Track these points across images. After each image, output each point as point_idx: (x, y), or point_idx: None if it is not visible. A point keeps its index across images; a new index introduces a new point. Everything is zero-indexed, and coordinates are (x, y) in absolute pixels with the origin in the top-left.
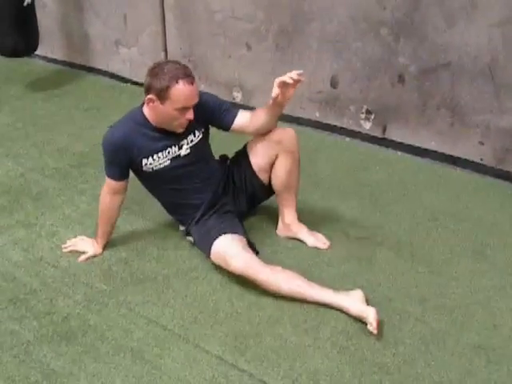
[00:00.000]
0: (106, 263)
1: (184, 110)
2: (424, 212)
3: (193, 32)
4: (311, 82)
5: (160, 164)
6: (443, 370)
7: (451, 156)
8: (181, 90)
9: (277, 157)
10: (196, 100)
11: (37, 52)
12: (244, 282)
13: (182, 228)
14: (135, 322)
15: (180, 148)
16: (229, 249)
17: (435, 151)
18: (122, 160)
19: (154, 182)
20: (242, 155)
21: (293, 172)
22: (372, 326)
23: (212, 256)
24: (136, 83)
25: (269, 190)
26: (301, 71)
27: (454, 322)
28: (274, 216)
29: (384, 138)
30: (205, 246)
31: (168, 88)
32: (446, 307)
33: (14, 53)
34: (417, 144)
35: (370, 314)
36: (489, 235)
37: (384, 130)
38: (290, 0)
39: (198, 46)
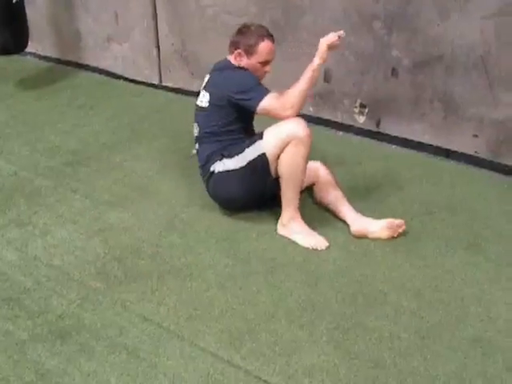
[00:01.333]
0: (99, 261)
1: (265, 63)
2: (419, 205)
3: (185, 27)
4: None
5: None
6: (439, 364)
7: (445, 149)
8: (266, 46)
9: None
10: (273, 56)
11: (27, 49)
12: (238, 278)
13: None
14: (130, 319)
15: None
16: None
17: (429, 144)
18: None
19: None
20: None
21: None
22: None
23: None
24: (128, 79)
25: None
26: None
27: (449, 316)
28: (274, 214)
29: (378, 132)
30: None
31: (256, 44)
32: (442, 301)
33: (4, 50)
34: (411, 137)
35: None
36: (484, 228)
37: (378, 124)
38: None
39: (190, 41)
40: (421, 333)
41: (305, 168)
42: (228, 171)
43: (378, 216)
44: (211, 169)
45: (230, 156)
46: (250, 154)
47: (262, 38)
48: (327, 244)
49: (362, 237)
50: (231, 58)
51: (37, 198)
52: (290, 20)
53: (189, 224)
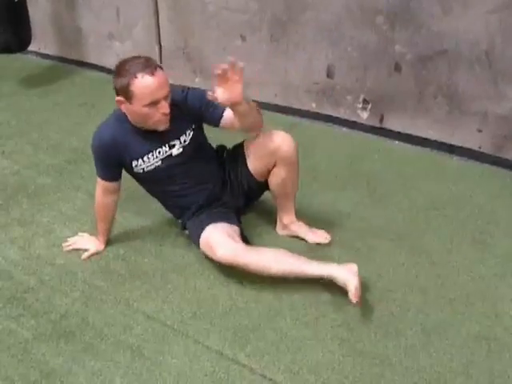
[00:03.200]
0: (103, 260)
1: (154, 104)
2: (423, 201)
3: (186, 24)
4: (307, 72)
5: (151, 165)
6: (445, 361)
7: (449, 144)
8: (142, 84)
9: (274, 164)
10: (165, 90)
11: (29, 47)
12: (242, 276)
13: (179, 221)
14: (134, 318)
15: (171, 147)
16: (215, 237)
17: (433, 140)
18: (112, 161)
19: (147, 182)
20: (239, 153)
21: (291, 180)
22: (351, 293)
23: (201, 246)
24: None
25: (265, 186)
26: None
27: (454, 312)
28: (273, 212)
29: (381, 128)
30: (195, 237)
31: (129, 85)
32: (447, 297)
33: (7, 49)
34: (414, 133)
35: (352, 282)
36: (488, 223)
37: (381, 120)
38: None
39: (192, 38)
40: (426, 329)
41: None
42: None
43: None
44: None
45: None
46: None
47: (134, 75)
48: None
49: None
50: None
51: (40, 197)
52: (292, 15)
53: None
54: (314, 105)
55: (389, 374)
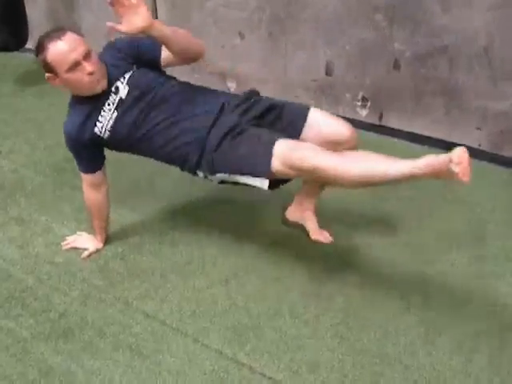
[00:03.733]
0: (102, 259)
1: (75, 66)
2: (421, 199)
3: (184, 22)
4: (306, 70)
5: (109, 119)
6: (445, 359)
7: (448, 142)
8: (54, 52)
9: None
10: (79, 50)
11: (26, 46)
12: (241, 274)
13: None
14: (133, 317)
15: (116, 92)
16: (297, 146)
17: (432, 137)
18: (86, 147)
19: (128, 144)
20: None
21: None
22: (454, 163)
23: (277, 162)
24: None
25: None
26: None
27: (454, 310)
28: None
29: (381, 125)
30: (256, 158)
31: (45, 58)
32: (446, 295)
33: (4, 47)
34: (413, 130)
35: (455, 152)
36: (488, 221)
37: (380, 117)
38: None
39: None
40: (426, 327)
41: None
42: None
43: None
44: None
45: (219, 172)
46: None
47: (46, 47)
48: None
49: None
50: None
51: (38, 196)
52: (291, 13)
53: (190, 220)
54: (312, 102)
55: (388, 373)
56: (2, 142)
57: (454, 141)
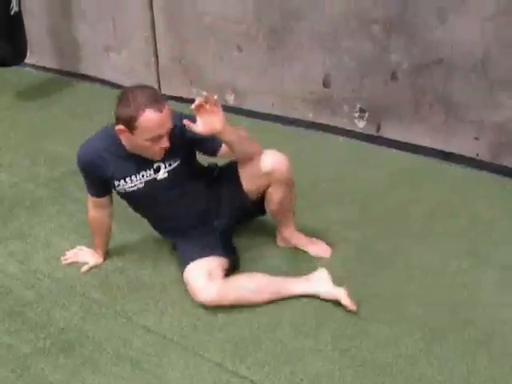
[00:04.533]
0: (102, 273)
1: (156, 139)
2: (420, 209)
3: (183, 35)
4: (304, 82)
5: (133, 186)
6: (446, 369)
7: (446, 152)
8: (148, 120)
9: (269, 185)
10: (168, 127)
11: (26, 60)
12: None
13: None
14: (133, 331)
15: (156, 171)
16: (194, 279)
17: (430, 148)
18: (97, 178)
19: (130, 202)
20: (232, 170)
21: (288, 199)
22: (349, 306)
23: (185, 283)
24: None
25: (260, 205)
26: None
27: (454, 320)
28: (272, 224)
29: (378, 136)
30: (181, 270)
31: (135, 118)
32: (446, 305)
33: (3, 62)
34: (411, 141)
35: (342, 297)
36: (486, 230)
37: (378, 128)
38: None
39: (189, 49)
40: (426, 338)
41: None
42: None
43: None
44: None
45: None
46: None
47: (141, 109)
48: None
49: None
50: None
51: (38, 210)
52: (287, 25)
53: None
54: (310, 114)
55: None
56: (2, 155)
57: (452, 151)
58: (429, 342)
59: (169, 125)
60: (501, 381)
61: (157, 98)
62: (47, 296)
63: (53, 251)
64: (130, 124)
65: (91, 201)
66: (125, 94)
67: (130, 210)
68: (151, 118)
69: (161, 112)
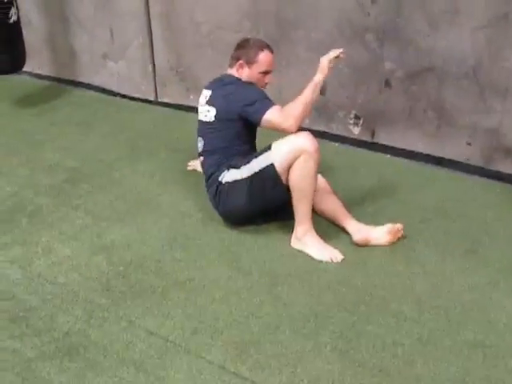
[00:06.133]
0: (104, 277)
1: (266, 73)
2: (415, 213)
3: (180, 44)
4: (300, 89)
5: None
6: (442, 369)
7: (440, 157)
8: (265, 57)
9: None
10: (274, 66)
11: (24, 68)
12: (242, 290)
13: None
14: (136, 334)
15: None
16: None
17: (424, 153)
18: None
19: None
20: None
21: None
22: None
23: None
24: (124, 96)
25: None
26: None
27: (450, 321)
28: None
29: (373, 142)
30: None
31: (256, 55)
32: (442, 306)
33: (1, 70)
34: (405, 147)
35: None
36: (480, 233)
37: (373, 135)
38: (276, 8)
39: (186, 57)
40: (423, 339)
41: (315, 182)
42: (235, 181)
43: (375, 224)
44: (219, 179)
45: (237, 167)
46: (257, 164)
47: (261, 48)
48: (342, 257)
49: (364, 245)
50: (233, 71)
51: (38, 217)
52: (283, 34)
53: (191, 238)
54: (306, 121)
55: None
56: (1, 163)
57: (446, 156)
58: (425, 342)
59: (274, 66)
60: (495, 380)
61: (269, 45)
62: (50, 301)
63: (54, 257)
64: (251, 59)
65: (277, 110)
66: (245, 41)
67: (129, 213)
68: (267, 56)
69: (272, 54)
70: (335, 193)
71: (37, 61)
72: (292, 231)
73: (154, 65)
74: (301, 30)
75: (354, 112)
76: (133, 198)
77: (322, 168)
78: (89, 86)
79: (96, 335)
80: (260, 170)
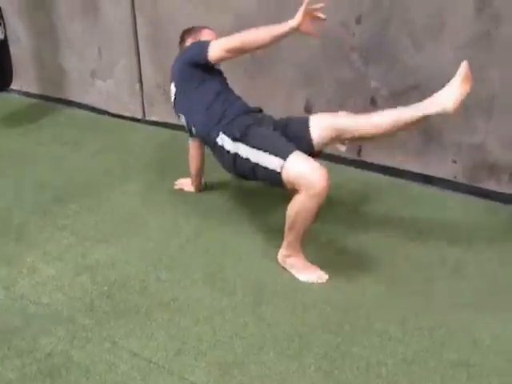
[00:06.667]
0: (88, 297)
1: None
2: (401, 231)
3: (167, 63)
4: (286, 108)
5: None
6: None
7: (425, 175)
8: (208, 32)
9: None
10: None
11: (11, 86)
12: (226, 311)
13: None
14: (119, 355)
15: None
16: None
17: (409, 171)
18: None
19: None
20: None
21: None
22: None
23: (288, 177)
24: (112, 115)
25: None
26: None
27: (434, 341)
28: (258, 243)
29: (359, 160)
30: (279, 146)
31: (200, 33)
32: (426, 327)
33: None
34: (391, 164)
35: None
36: (465, 252)
37: (359, 152)
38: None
39: None
40: (407, 359)
41: (311, 220)
42: (238, 155)
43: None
44: (219, 142)
45: (236, 136)
46: (266, 159)
47: (203, 28)
48: (327, 277)
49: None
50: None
51: (24, 236)
52: (269, 53)
53: (176, 258)
54: None
55: None
56: None
57: (432, 174)
58: (409, 362)
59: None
60: None
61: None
62: (33, 321)
63: (38, 277)
64: (196, 37)
65: (217, 40)
66: (187, 28)
67: (115, 233)
68: (209, 32)
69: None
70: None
71: (24, 78)
72: (281, 242)
73: (141, 84)
74: (286, 50)
75: None
76: (119, 217)
77: None
78: (77, 105)
79: (79, 356)
80: (265, 168)
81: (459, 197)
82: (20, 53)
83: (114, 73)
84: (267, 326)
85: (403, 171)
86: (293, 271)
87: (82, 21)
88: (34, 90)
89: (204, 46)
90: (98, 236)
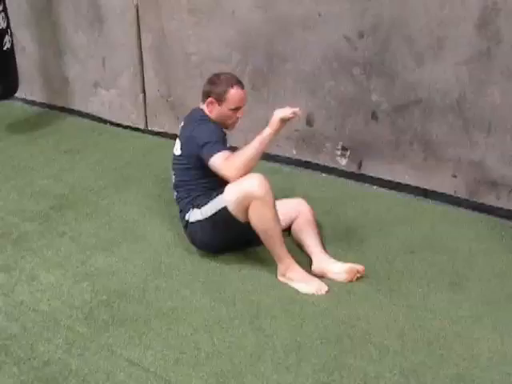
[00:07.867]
0: (86, 306)
1: (236, 110)
2: (401, 245)
3: (170, 74)
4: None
5: None
6: None
7: (425, 189)
8: (235, 93)
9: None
10: (244, 102)
11: (16, 94)
12: (224, 321)
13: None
14: (117, 364)
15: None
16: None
17: (410, 185)
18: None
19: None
20: None
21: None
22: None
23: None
24: (115, 124)
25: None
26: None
27: (432, 354)
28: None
29: (360, 174)
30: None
31: (226, 92)
32: (425, 340)
33: None
34: (392, 178)
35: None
36: (464, 266)
37: (359, 166)
38: (265, 41)
39: (176, 87)
40: (405, 372)
41: (276, 221)
42: (198, 221)
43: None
44: (186, 217)
45: (199, 206)
46: (211, 208)
47: (231, 85)
48: (327, 288)
49: (321, 276)
50: (204, 107)
51: (24, 243)
52: (272, 67)
53: (174, 267)
54: (294, 151)
55: None
56: None
57: (432, 188)
58: (407, 375)
59: (245, 102)
60: None
61: (240, 81)
62: (31, 329)
63: (37, 284)
64: (221, 97)
65: (222, 157)
66: (216, 76)
67: (114, 242)
68: (237, 93)
69: (243, 89)
70: (313, 221)
71: (29, 87)
72: None
73: (144, 94)
74: (289, 63)
75: (341, 143)
76: (119, 226)
77: (308, 198)
78: (80, 114)
79: (76, 364)
80: (215, 214)
81: (459, 211)
82: (25, 62)
83: (117, 83)
84: (265, 337)
85: (403, 185)
86: (293, 285)
87: (86, 32)
88: (38, 98)
89: (211, 151)
90: (97, 244)
